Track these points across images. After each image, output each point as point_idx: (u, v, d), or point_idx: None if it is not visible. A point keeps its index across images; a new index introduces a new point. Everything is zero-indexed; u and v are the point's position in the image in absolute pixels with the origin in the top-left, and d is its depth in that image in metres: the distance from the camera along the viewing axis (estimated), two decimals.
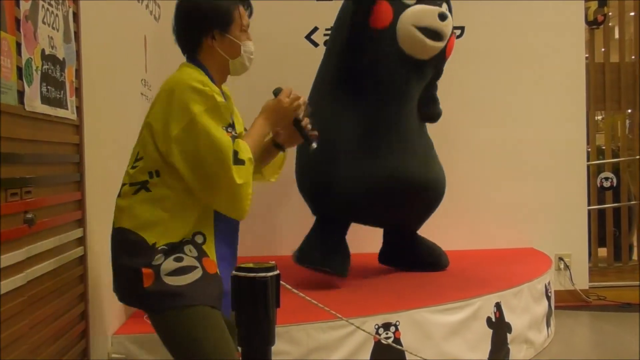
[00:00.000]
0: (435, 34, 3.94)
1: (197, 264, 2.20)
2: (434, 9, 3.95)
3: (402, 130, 4.10)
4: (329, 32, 5.14)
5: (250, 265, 1.60)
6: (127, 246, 2.24)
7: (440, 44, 4.00)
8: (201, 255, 2.22)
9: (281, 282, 1.64)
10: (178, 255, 2.19)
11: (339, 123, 4.04)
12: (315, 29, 5.20)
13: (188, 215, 2.23)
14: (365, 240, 4.47)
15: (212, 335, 2.14)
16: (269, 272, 1.56)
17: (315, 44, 5.21)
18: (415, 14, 3.93)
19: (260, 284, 1.54)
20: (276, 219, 5.21)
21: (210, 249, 2.25)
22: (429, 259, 4.52)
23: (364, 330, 3.08)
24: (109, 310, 3.04)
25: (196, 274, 2.19)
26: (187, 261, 2.19)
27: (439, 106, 4.38)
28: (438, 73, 4.31)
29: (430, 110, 4.32)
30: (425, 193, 4.20)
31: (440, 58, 4.17)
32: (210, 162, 2.11)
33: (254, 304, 1.55)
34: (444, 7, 4.06)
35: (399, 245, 4.53)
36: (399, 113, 4.09)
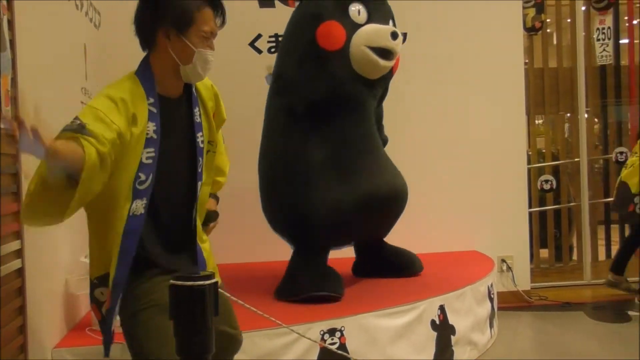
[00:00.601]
0: (387, 53, 3.91)
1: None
2: (386, 29, 3.92)
3: (368, 149, 4.09)
4: (272, 39, 5.18)
5: (188, 274, 1.59)
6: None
7: (391, 63, 3.99)
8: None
9: (221, 290, 1.65)
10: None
11: (304, 151, 3.99)
12: (259, 35, 5.20)
13: (107, 240, 2.21)
14: None
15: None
16: (206, 280, 1.56)
17: (259, 51, 5.21)
18: (369, 35, 3.88)
19: (198, 292, 1.54)
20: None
21: (112, 272, 2.20)
22: (402, 264, 4.54)
23: (307, 338, 3.08)
24: (48, 323, 2.98)
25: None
26: None
27: (384, 133, 4.42)
28: (385, 91, 4.31)
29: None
30: (396, 204, 4.23)
31: (388, 76, 4.17)
32: None
33: (192, 312, 1.54)
34: (391, 24, 4.09)
35: (371, 256, 4.52)
36: (363, 133, 4.07)
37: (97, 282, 2.21)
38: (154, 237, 2.27)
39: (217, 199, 2.74)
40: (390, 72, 4.16)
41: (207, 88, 2.50)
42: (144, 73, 2.27)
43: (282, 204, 4.11)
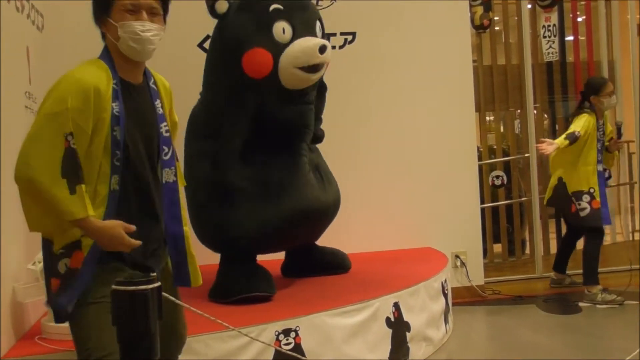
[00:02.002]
0: (316, 67, 3.80)
1: (66, 267, 2.21)
2: (313, 45, 3.74)
3: (303, 162, 4.03)
4: None
5: (131, 278, 1.57)
6: (44, 254, 2.30)
7: (322, 73, 3.91)
8: (75, 248, 2.20)
9: (164, 294, 1.62)
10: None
11: (229, 175, 3.92)
12: (208, 36, 5.16)
13: None
14: None
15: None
16: (149, 284, 1.54)
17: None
18: (296, 57, 3.74)
19: (140, 296, 1.51)
20: None
21: (88, 242, 2.21)
22: (332, 262, 4.55)
23: (259, 341, 3.07)
24: None
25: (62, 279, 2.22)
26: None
27: (320, 127, 4.32)
28: (322, 87, 4.22)
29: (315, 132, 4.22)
30: (327, 213, 4.21)
31: (320, 77, 4.06)
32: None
33: (135, 317, 1.52)
34: (317, 28, 3.96)
35: (301, 256, 4.51)
36: (290, 150, 4.01)
37: (64, 251, 2.20)
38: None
39: None
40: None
41: (166, 88, 2.55)
42: (106, 57, 2.33)
43: (210, 225, 4.04)
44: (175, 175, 2.46)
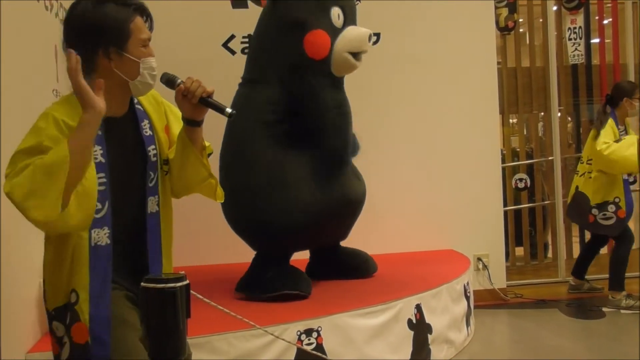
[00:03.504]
0: (360, 55, 3.95)
1: (67, 338, 2.10)
2: (365, 33, 3.90)
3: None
4: (246, 39, 5.16)
5: (159, 275, 1.58)
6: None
7: (360, 64, 4.00)
8: (72, 320, 2.06)
9: (192, 292, 1.63)
10: (64, 342, 2.12)
11: (283, 156, 3.95)
12: (232, 36, 5.19)
13: (63, 270, 2.10)
14: None
15: None
16: (178, 282, 1.54)
17: (233, 52, 5.20)
18: (351, 42, 3.88)
19: (169, 294, 1.52)
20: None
21: (84, 306, 2.05)
22: (356, 266, 4.53)
23: (283, 339, 3.08)
24: (21, 327, 2.94)
25: (65, 352, 2.11)
26: (64, 338, 2.12)
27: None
28: None
29: None
30: (357, 206, 4.22)
31: None
32: None
33: (163, 315, 1.53)
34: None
35: (326, 258, 4.49)
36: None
37: (54, 313, 2.11)
38: (115, 262, 2.16)
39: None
40: None
41: (154, 104, 2.38)
42: None
43: (254, 210, 3.99)
44: (158, 205, 2.28)
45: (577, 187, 5.56)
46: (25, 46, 3.17)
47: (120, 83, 2.14)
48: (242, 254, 4.32)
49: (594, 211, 5.39)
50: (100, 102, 1.95)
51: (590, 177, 5.43)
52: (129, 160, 2.21)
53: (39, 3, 3.40)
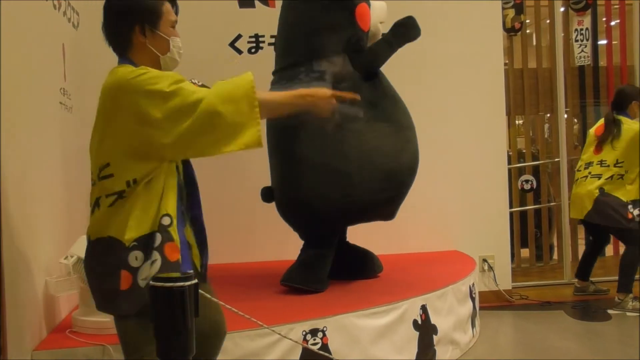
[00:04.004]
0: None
1: (157, 255, 2.19)
2: (384, 3, 4.22)
3: (394, 118, 4.24)
4: (252, 39, 5.16)
5: (168, 275, 1.58)
6: (105, 253, 2.25)
7: None
8: (165, 240, 2.21)
9: (200, 291, 1.63)
10: (154, 259, 2.19)
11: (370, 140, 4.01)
12: (239, 36, 5.19)
13: (153, 201, 2.23)
14: (292, 247, 4.45)
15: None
16: (186, 281, 1.55)
17: (239, 51, 5.20)
18: (381, 11, 4.16)
19: (178, 293, 1.52)
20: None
21: (175, 231, 2.24)
22: (362, 266, 4.52)
23: (289, 339, 3.08)
24: (28, 325, 2.95)
25: (155, 268, 2.18)
26: (154, 256, 2.20)
27: None
28: None
29: None
30: (414, 173, 4.33)
31: None
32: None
33: (172, 314, 1.53)
34: None
35: (335, 256, 4.41)
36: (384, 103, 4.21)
37: (136, 244, 2.19)
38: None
39: None
40: None
41: None
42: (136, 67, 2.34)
43: (303, 184, 4.00)
44: None
45: (601, 189, 5.50)
46: (34, 45, 3.18)
47: (152, 59, 2.40)
48: (270, 252, 4.35)
49: (630, 207, 5.40)
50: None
51: (621, 179, 5.43)
52: None
53: (47, 2, 3.41)
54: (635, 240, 5.44)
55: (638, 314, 5.23)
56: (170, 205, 2.25)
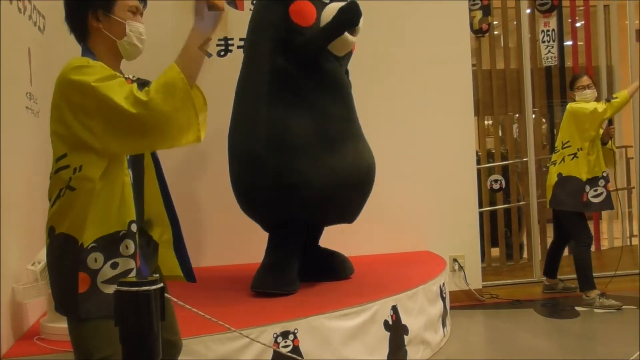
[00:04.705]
0: (352, 29, 4.06)
1: (132, 264, 2.17)
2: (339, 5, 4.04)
3: (351, 119, 4.23)
4: (221, 42, 5.16)
5: (133, 279, 1.57)
6: (61, 250, 2.18)
7: (356, 39, 4.12)
8: (136, 247, 2.19)
9: (167, 295, 1.63)
10: (114, 261, 2.15)
11: (289, 125, 4.03)
12: (208, 39, 5.16)
13: (112, 201, 2.17)
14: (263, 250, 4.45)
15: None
16: (151, 285, 1.54)
17: (209, 55, 5.16)
18: (335, 12, 4.01)
19: (143, 297, 1.52)
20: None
21: (137, 237, 2.22)
22: (333, 268, 4.54)
23: (259, 342, 3.08)
24: None
25: (132, 277, 2.14)
26: (123, 265, 2.15)
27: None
28: (347, 74, 4.41)
29: None
30: (372, 179, 4.32)
31: (349, 54, 4.31)
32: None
33: (138, 318, 1.52)
34: None
35: (303, 260, 4.40)
36: (345, 104, 4.20)
37: (96, 245, 2.13)
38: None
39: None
40: (351, 51, 4.28)
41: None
42: (92, 57, 2.27)
43: (266, 172, 4.03)
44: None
45: (559, 174, 5.62)
46: None
47: (108, 45, 2.32)
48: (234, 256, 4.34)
49: (587, 188, 5.50)
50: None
51: (575, 158, 5.55)
52: None
53: (11, 5, 3.37)
54: (575, 230, 5.57)
55: (604, 311, 5.31)
56: (134, 210, 2.21)
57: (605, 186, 5.52)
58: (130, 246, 2.17)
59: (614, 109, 5.48)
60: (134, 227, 2.19)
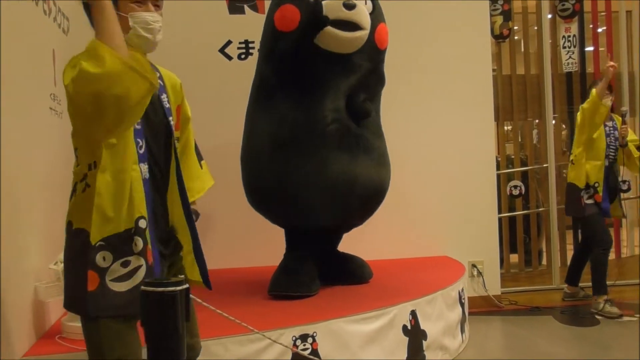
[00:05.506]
0: (347, 25, 3.88)
1: (142, 261, 2.16)
2: (337, 1, 3.87)
3: (344, 123, 4.05)
4: (242, 45, 5.18)
5: (159, 279, 1.58)
6: (74, 246, 2.20)
7: (358, 34, 3.93)
8: (144, 243, 2.18)
9: (192, 296, 1.64)
10: (125, 259, 2.15)
11: (258, 130, 4.08)
12: (229, 42, 5.20)
13: (121, 198, 2.16)
14: (281, 252, 4.45)
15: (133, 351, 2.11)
16: (177, 286, 1.55)
17: (229, 57, 5.21)
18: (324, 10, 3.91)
19: (168, 298, 1.53)
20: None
21: (147, 234, 2.20)
22: (352, 272, 4.53)
23: (280, 344, 3.08)
24: (17, 331, 2.94)
25: (141, 274, 2.14)
26: (134, 263, 2.15)
27: (361, 103, 4.20)
28: (376, 70, 4.23)
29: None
30: (355, 190, 4.08)
31: (371, 49, 4.09)
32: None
33: (163, 318, 1.53)
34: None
35: (322, 263, 4.41)
36: (335, 109, 4.03)
37: (104, 243, 2.14)
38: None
39: (196, 215, 2.70)
40: (373, 45, 4.09)
41: (173, 83, 2.52)
42: None
43: (245, 176, 4.20)
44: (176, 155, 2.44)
45: (567, 182, 5.73)
46: (24, 50, 3.18)
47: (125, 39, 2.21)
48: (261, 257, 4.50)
49: (582, 193, 5.54)
50: None
51: (572, 164, 5.64)
52: (152, 121, 2.33)
53: (37, 7, 3.40)
54: (592, 233, 5.56)
55: (607, 318, 5.29)
56: (143, 206, 2.21)
57: (593, 196, 5.52)
58: (139, 243, 2.17)
59: (584, 113, 5.51)
60: (142, 223, 2.18)
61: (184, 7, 5.03)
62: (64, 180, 3.69)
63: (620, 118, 5.69)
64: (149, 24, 2.28)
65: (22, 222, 3.08)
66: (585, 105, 5.54)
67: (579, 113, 5.63)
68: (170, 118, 2.42)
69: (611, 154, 5.61)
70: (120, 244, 2.15)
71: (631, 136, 5.71)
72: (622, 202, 5.85)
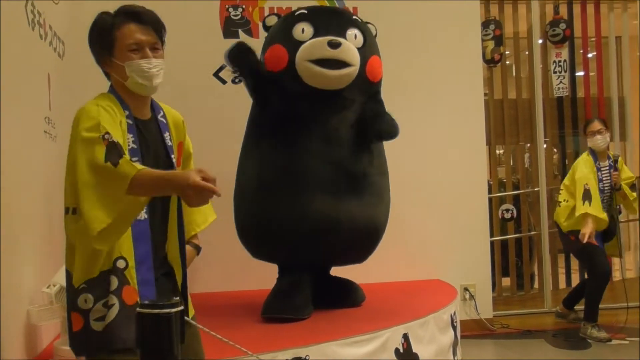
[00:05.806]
0: (332, 63, 3.90)
1: (115, 300, 2.15)
2: (322, 40, 3.89)
3: (333, 160, 4.04)
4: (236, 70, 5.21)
5: (154, 301, 1.60)
6: (67, 287, 2.24)
7: (345, 71, 3.94)
8: (122, 284, 2.17)
9: (185, 318, 1.65)
10: (105, 300, 2.15)
11: (244, 169, 4.19)
12: (223, 66, 5.24)
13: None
14: (274, 276, 4.46)
15: None
16: (172, 308, 1.57)
17: (223, 82, 5.24)
18: (306, 50, 3.92)
19: (164, 319, 1.54)
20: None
21: (131, 273, 2.18)
22: (345, 295, 4.52)
23: None
24: (10, 353, 2.93)
25: (113, 312, 2.14)
26: (110, 302, 2.15)
27: (383, 122, 4.28)
28: (373, 99, 4.28)
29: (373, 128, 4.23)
30: (340, 232, 4.04)
31: (363, 82, 4.10)
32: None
33: (158, 340, 1.55)
34: (351, 35, 4.03)
35: (316, 286, 4.36)
36: (322, 150, 4.02)
37: (86, 286, 2.16)
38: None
39: (197, 249, 2.73)
40: (365, 79, 4.10)
41: (176, 120, 2.52)
42: (113, 94, 2.31)
43: (236, 213, 4.27)
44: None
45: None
46: (20, 74, 3.20)
47: (123, 86, 2.30)
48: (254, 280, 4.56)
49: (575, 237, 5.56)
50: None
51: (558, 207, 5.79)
52: (154, 160, 2.33)
53: (33, 32, 3.44)
54: (589, 265, 5.62)
55: (595, 342, 5.34)
56: (125, 246, 2.18)
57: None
58: (114, 282, 2.16)
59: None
60: (120, 264, 2.17)
61: (178, 31, 5.07)
62: (59, 203, 3.71)
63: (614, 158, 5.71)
64: (144, 72, 2.28)
65: (16, 245, 3.08)
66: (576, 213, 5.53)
67: (576, 166, 5.74)
68: (173, 156, 2.42)
69: (606, 198, 5.62)
70: (97, 286, 2.17)
71: (626, 174, 5.73)
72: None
